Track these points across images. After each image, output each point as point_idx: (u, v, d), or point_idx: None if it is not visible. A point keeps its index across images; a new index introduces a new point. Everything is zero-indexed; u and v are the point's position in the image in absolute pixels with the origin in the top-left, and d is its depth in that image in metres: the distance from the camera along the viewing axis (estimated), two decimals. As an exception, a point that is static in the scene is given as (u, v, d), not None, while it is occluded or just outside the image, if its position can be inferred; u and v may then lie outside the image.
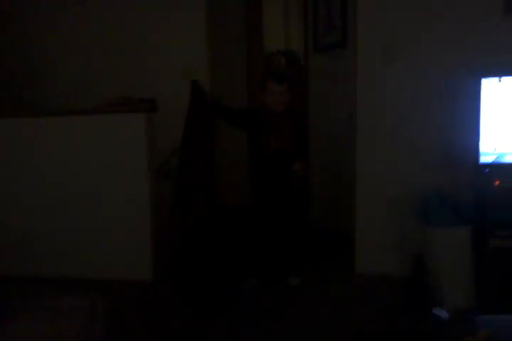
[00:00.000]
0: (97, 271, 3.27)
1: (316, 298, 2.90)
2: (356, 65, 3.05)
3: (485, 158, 2.59)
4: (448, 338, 2.04)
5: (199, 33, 3.88)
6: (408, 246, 2.99)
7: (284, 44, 5.64)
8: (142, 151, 3.19)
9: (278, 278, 3.11)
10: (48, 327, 1.72)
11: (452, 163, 2.86)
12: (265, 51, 5.17)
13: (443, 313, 1.45)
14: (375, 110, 3.04)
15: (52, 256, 3.33)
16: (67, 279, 3.19)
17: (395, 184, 3.03)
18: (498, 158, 2.58)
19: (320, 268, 3.35)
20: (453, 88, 2.84)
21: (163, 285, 3.16)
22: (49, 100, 3.88)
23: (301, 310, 2.75)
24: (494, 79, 2.53)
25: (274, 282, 3.09)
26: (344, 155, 3.59)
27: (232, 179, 4.31)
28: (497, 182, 2.50)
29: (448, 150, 2.87)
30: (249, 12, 4.80)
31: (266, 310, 2.76)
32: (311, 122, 4.27)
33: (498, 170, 2.58)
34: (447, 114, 2.88)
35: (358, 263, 3.17)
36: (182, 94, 3.86)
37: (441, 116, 2.91)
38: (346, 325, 2.52)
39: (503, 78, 2.53)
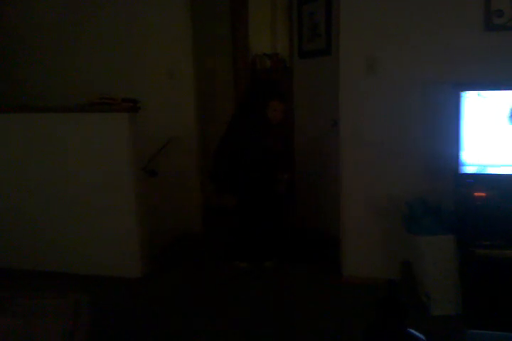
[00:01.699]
0: (85, 267, 3.28)
1: (293, 308, 2.89)
2: (339, 73, 3.06)
3: (468, 169, 2.63)
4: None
5: (185, 34, 3.91)
6: (396, 252, 3.04)
7: (270, 49, 5.67)
8: (125, 150, 3.19)
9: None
10: (31, 326, 1.70)
11: (435, 172, 2.90)
12: (251, 53, 5.19)
13: (418, 333, 1.48)
14: (358, 119, 3.06)
15: (40, 251, 3.35)
16: (55, 273, 3.22)
17: (379, 190, 3.06)
18: (480, 169, 2.63)
19: (307, 270, 3.39)
20: (435, 100, 2.87)
21: (151, 281, 3.20)
22: (29, 96, 3.87)
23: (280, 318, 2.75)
24: (474, 93, 2.56)
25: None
26: (329, 160, 3.63)
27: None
28: (479, 194, 2.54)
29: (431, 160, 2.91)
30: (235, 14, 4.82)
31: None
32: (296, 127, 4.30)
33: (480, 181, 2.61)
34: (430, 124, 2.90)
35: (345, 266, 3.20)
36: (166, 95, 3.91)
37: (425, 126, 2.93)
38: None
39: (482, 92, 2.55)
